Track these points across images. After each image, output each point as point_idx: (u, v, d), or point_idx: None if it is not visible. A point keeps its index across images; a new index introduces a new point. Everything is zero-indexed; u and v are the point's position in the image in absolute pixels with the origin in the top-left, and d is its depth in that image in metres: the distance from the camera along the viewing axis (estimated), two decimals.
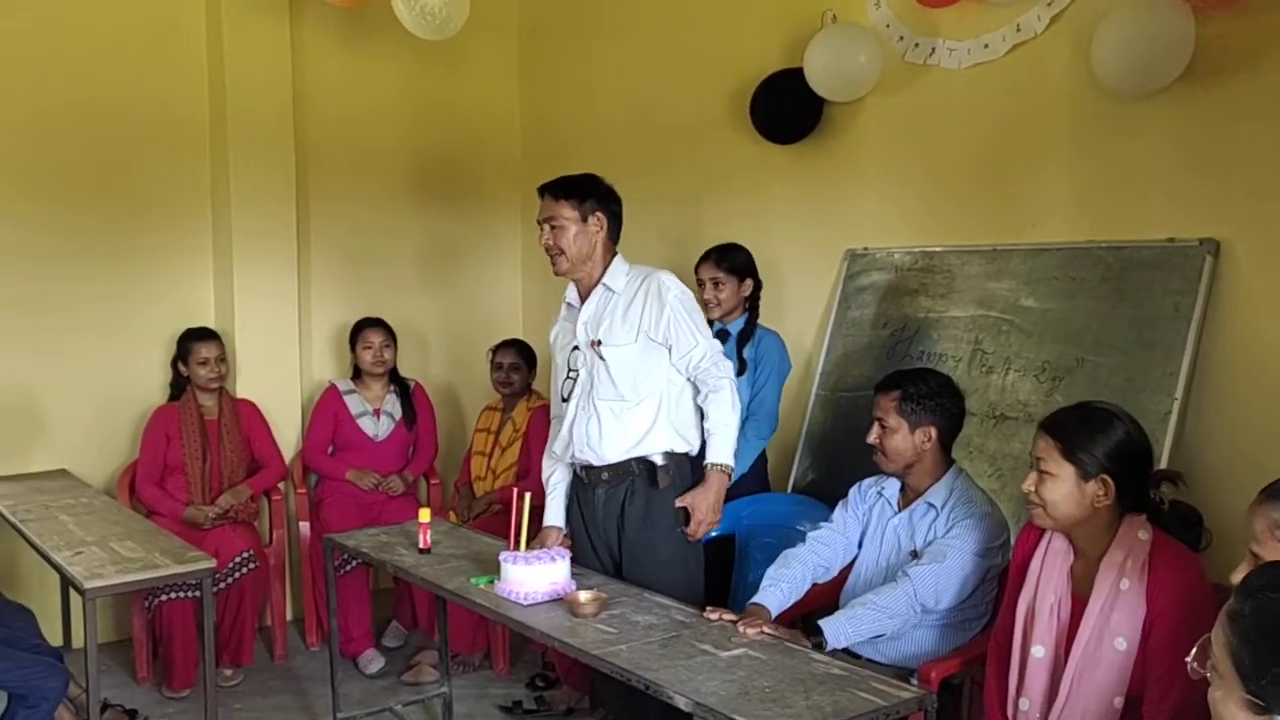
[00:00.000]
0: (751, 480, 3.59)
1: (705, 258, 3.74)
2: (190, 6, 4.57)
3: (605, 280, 2.96)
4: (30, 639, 3.26)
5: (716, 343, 2.94)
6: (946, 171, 3.63)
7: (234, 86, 4.50)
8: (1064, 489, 2.21)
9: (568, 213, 2.91)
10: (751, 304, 3.75)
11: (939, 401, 2.73)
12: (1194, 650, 1.41)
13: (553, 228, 2.92)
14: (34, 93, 4.28)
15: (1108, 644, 2.16)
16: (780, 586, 2.68)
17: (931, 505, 2.71)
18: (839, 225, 3.97)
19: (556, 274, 3.01)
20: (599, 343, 2.92)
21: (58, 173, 4.35)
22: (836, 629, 2.53)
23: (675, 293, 2.89)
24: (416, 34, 4.03)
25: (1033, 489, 2.26)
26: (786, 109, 3.94)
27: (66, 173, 4.37)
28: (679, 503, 2.88)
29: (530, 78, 5.39)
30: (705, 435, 2.89)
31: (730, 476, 2.90)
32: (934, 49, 3.60)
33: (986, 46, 3.45)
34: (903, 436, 2.71)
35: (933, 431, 2.71)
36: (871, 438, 2.75)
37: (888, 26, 3.72)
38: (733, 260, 3.70)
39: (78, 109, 4.37)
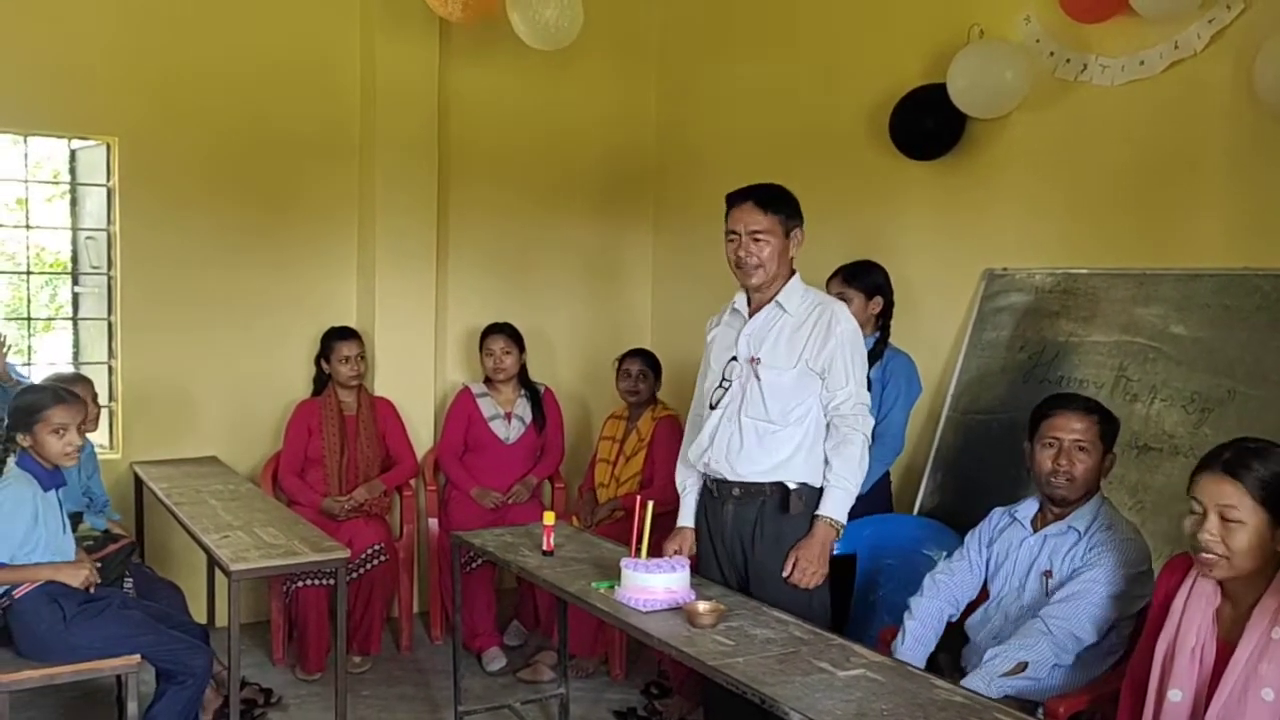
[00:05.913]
0: (873, 502, 3.49)
1: (834, 274, 3.67)
2: (346, 29, 4.77)
3: (780, 298, 2.86)
4: (178, 615, 3.42)
5: (866, 394, 2.85)
6: (1093, 192, 3.51)
7: (384, 103, 4.68)
8: (1257, 538, 2.07)
9: (772, 226, 2.82)
10: (882, 323, 3.67)
11: (1115, 427, 2.73)
12: None
13: (755, 240, 2.81)
14: (205, 109, 4.52)
15: (1253, 694, 2.05)
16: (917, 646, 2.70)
17: (1074, 529, 2.65)
18: (978, 244, 3.88)
19: (749, 286, 2.88)
20: (758, 360, 2.85)
21: (220, 180, 4.58)
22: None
23: (845, 327, 2.82)
24: (532, 45, 4.16)
25: (1217, 538, 2.09)
26: (927, 125, 3.88)
27: (228, 180, 4.60)
28: (790, 556, 2.81)
29: (667, 91, 5.44)
30: (825, 483, 2.82)
31: (839, 533, 2.81)
32: (1085, 65, 3.50)
33: (1142, 64, 3.34)
34: (1095, 462, 2.67)
35: (1112, 458, 2.72)
36: (1065, 463, 2.67)
37: (1037, 42, 3.63)
38: (861, 275, 3.63)
39: (243, 123, 4.60)
